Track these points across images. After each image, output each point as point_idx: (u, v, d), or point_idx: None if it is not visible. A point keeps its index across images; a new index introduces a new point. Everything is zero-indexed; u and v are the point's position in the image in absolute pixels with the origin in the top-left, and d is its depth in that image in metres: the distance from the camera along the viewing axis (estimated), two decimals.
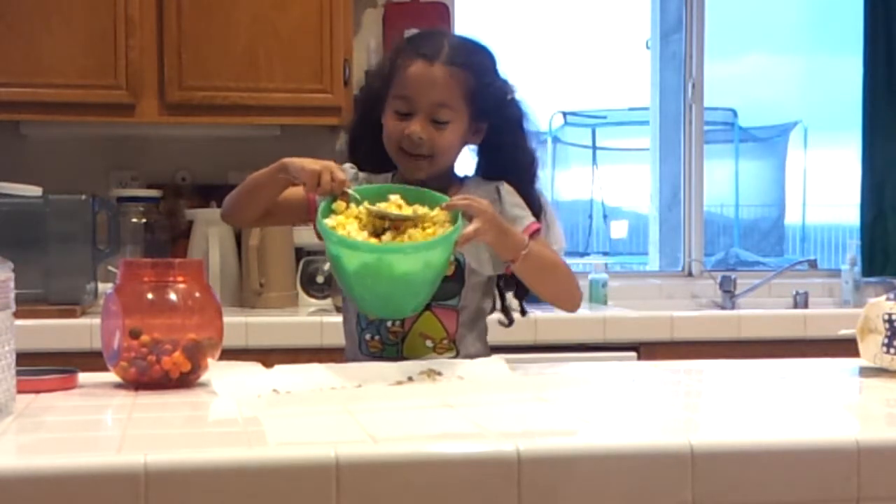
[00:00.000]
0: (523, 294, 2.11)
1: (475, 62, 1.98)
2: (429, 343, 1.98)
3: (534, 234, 1.98)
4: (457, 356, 1.97)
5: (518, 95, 2.05)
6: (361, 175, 2.05)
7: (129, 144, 3.66)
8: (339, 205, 1.82)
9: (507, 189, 2.02)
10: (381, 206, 1.80)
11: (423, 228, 1.78)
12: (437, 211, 1.80)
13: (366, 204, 1.81)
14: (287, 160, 1.91)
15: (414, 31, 2.09)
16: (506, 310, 2.13)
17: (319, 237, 1.86)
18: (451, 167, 2.05)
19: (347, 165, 2.05)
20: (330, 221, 1.79)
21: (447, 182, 2.03)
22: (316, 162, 1.86)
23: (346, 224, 1.78)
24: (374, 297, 1.82)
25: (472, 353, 1.99)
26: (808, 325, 3.31)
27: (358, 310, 1.98)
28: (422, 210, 1.81)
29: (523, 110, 2.05)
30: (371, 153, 2.05)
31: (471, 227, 1.77)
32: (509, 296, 2.14)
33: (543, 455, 1.22)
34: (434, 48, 1.96)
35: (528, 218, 2.01)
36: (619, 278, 4.05)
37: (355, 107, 2.12)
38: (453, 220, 1.78)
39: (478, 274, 2.00)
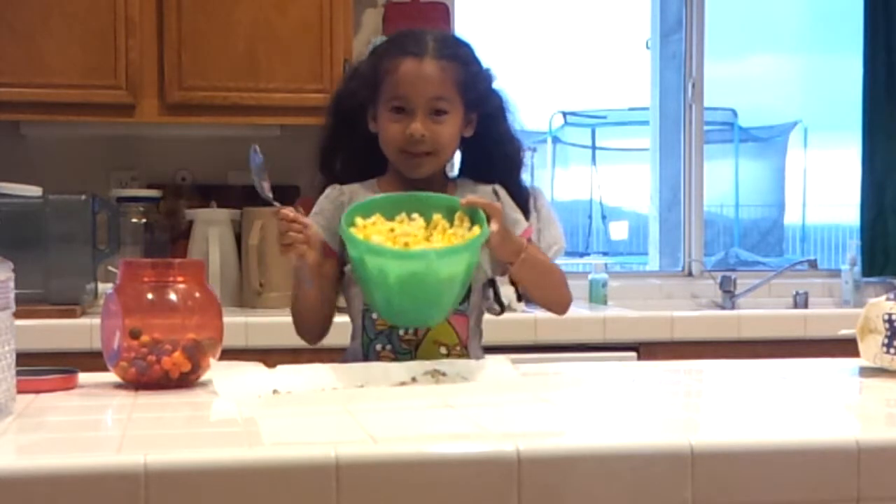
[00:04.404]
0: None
1: (461, 53, 2.00)
2: (442, 350, 1.98)
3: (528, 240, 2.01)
4: None
5: (497, 85, 2.06)
6: (347, 191, 2.03)
7: (129, 144, 3.66)
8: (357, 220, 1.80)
9: (503, 192, 2.04)
10: (401, 229, 1.78)
11: (443, 231, 1.79)
12: (456, 222, 1.80)
13: (378, 222, 1.80)
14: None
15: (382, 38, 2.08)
16: (498, 299, 2.13)
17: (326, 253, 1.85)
18: (444, 166, 2.05)
19: (332, 189, 2.04)
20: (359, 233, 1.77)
21: (441, 182, 2.04)
22: (280, 227, 1.84)
23: (371, 236, 1.77)
24: (415, 306, 1.78)
25: (479, 355, 2.00)
26: (808, 325, 3.31)
27: (380, 318, 1.94)
28: (438, 229, 1.80)
29: (504, 98, 2.07)
30: (348, 164, 2.05)
31: (494, 227, 1.78)
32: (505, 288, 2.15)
33: (543, 455, 1.22)
34: (419, 44, 1.97)
35: (524, 223, 2.04)
36: (619, 278, 4.05)
37: (326, 120, 2.10)
38: (471, 221, 1.79)
39: (478, 276, 2.00)
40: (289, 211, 1.83)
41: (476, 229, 1.78)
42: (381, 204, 1.83)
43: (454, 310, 1.91)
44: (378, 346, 1.98)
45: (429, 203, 1.83)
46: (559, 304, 2.06)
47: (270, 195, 1.84)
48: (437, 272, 1.73)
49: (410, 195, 1.87)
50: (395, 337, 1.97)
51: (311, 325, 2.04)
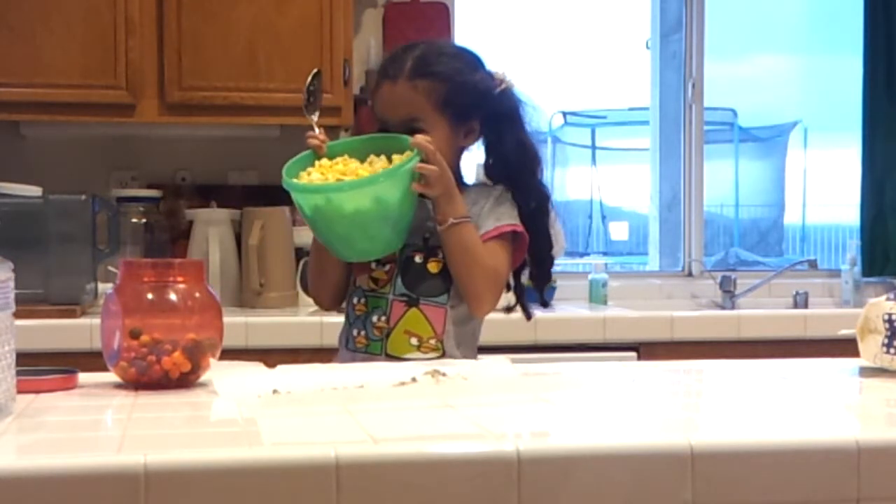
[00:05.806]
0: (544, 280, 2.11)
1: (441, 69, 2.00)
2: (414, 341, 1.98)
3: (502, 235, 2.00)
4: (442, 356, 1.97)
5: (509, 86, 2.05)
6: None
7: (129, 144, 3.66)
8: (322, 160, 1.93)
9: (498, 192, 2.04)
10: (344, 167, 1.89)
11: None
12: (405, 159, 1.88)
13: (322, 163, 1.92)
14: None
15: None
16: (523, 305, 2.12)
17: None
18: (458, 175, 2.04)
19: None
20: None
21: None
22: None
23: (311, 172, 1.89)
24: (337, 239, 1.89)
25: (457, 354, 1.99)
26: (808, 325, 3.31)
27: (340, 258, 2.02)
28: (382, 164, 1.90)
29: (516, 100, 2.06)
30: None
31: (425, 166, 1.86)
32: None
33: (543, 455, 1.22)
34: (397, 67, 2.00)
35: (508, 220, 2.01)
36: (619, 278, 4.06)
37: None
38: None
39: None
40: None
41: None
42: (351, 146, 1.96)
43: (423, 301, 1.98)
44: (355, 332, 2.03)
45: (398, 144, 1.93)
46: (475, 298, 1.98)
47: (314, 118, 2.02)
48: (339, 207, 1.82)
49: (373, 137, 1.99)
50: (368, 323, 2.01)
51: (325, 279, 2.07)
